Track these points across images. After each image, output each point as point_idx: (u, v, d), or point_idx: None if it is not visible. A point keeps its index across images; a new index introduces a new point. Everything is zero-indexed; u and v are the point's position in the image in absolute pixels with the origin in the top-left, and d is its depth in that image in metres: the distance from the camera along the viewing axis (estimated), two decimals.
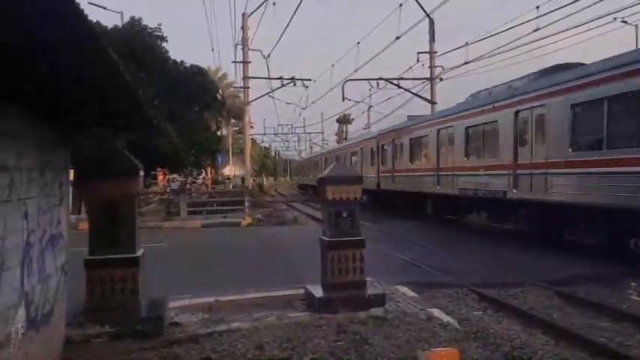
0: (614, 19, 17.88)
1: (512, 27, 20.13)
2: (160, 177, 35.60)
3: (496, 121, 15.17)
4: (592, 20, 17.20)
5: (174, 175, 33.84)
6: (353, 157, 33.02)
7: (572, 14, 17.14)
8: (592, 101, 11.59)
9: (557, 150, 12.62)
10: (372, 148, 28.24)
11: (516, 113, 14.21)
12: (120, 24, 20.69)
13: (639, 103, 10.40)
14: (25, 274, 4.00)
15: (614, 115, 11.02)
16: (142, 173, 6.58)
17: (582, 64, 13.09)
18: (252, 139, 52.34)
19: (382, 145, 26.28)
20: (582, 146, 12.10)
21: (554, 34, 19.40)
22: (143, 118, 6.12)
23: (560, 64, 14.07)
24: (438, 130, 19.26)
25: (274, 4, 26.96)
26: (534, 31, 19.09)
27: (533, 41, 20.19)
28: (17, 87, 3.60)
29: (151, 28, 20.27)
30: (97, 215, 6.33)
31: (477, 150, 16.78)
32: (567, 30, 18.26)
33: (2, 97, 3.58)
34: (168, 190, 31.23)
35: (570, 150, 12.24)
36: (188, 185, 32.07)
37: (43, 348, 4.46)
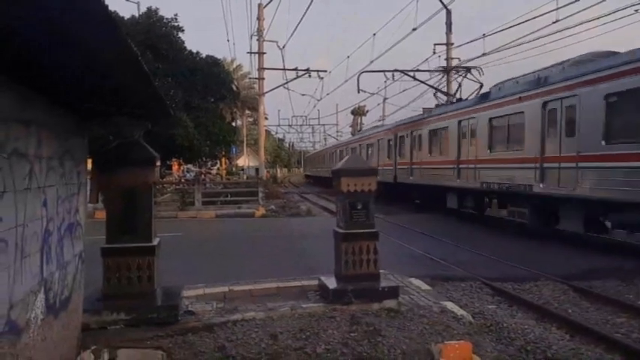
0: (636, 10, 17.48)
1: (531, 18, 19.91)
2: (175, 167, 35.87)
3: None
4: (613, 12, 16.85)
5: (189, 166, 34.06)
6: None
7: (592, 6, 16.85)
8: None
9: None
10: (389, 140, 28.59)
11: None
12: (137, 14, 20.78)
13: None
14: (44, 261, 4.06)
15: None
16: (158, 163, 6.63)
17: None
18: (266, 130, 52.48)
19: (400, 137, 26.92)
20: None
21: (575, 26, 19.11)
22: (160, 108, 6.15)
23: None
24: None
25: None
26: (553, 22, 18.81)
27: (553, 33, 19.91)
28: (38, 75, 3.65)
29: (167, 19, 20.36)
30: (115, 204, 6.40)
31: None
32: (588, 22, 18.00)
33: (23, 85, 3.63)
34: (183, 180, 31.45)
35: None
36: (203, 176, 32.27)
37: (61, 334, 4.53)
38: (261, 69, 32.43)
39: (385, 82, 32.43)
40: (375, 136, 31.54)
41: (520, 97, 14.73)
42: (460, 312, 7.14)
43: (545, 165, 13.47)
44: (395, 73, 30.76)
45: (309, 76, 31.95)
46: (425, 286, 8.59)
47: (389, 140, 27.83)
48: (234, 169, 48.24)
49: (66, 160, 4.75)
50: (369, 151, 32.31)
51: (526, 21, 19.70)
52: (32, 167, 3.79)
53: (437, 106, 24.06)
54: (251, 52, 33.36)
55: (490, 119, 16.60)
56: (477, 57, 24.85)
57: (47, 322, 4.10)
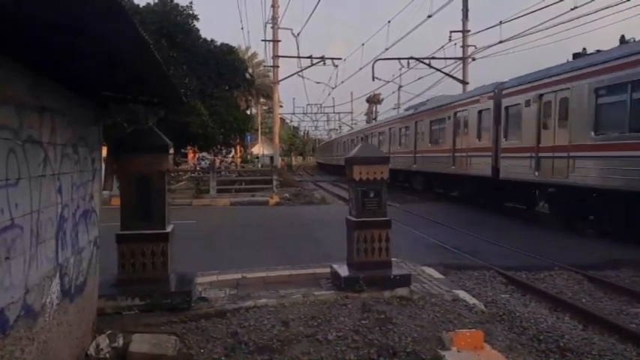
0: None
1: (549, 5, 19.43)
2: (190, 155, 36.05)
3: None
4: None
5: (204, 154, 34.18)
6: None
7: None
8: None
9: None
10: (481, 113, 18.98)
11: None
12: (152, 2, 20.78)
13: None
14: (60, 246, 4.13)
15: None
16: (171, 150, 6.67)
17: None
18: (281, 118, 52.48)
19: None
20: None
21: (594, 12, 18.70)
22: (175, 96, 6.17)
23: None
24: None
25: None
26: (572, 9, 18.43)
27: (571, 20, 19.49)
28: (52, 63, 3.69)
29: (182, 7, 20.34)
30: (129, 191, 6.46)
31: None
32: (607, 8, 17.53)
33: (37, 73, 3.66)
34: (198, 168, 31.63)
35: None
36: (218, 163, 32.38)
37: (76, 318, 4.61)
38: (275, 57, 32.36)
39: (400, 69, 32.26)
40: (448, 108, 21.98)
41: None
42: (472, 301, 7.13)
43: None
44: (410, 61, 30.60)
45: (324, 63, 31.80)
46: (437, 275, 8.58)
47: (480, 112, 18.86)
48: (248, 157, 48.37)
49: (80, 147, 4.80)
50: (433, 131, 23.84)
51: (544, 7, 19.18)
52: (46, 154, 3.84)
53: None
54: (265, 40, 33.28)
55: None
56: (494, 44, 24.46)
57: (63, 306, 4.18)
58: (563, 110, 13.86)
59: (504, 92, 17.15)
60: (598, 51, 13.42)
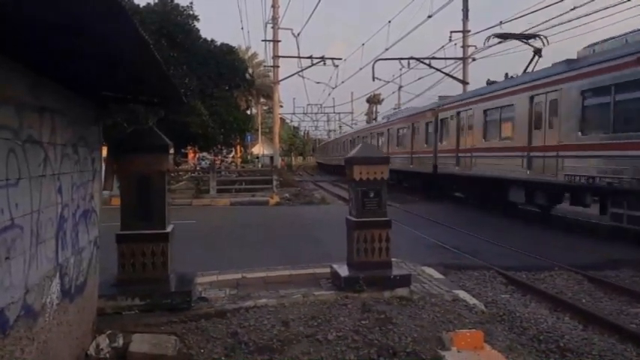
0: None
1: (548, 5, 19.43)
2: (191, 155, 36.06)
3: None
4: None
5: (204, 154, 34.16)
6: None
7: None
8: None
9: None
10: (427, 124, 24.26)
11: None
12: (152, 2, 20.77)
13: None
14: (60, 246, 4.13)
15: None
16: (171, 150, 6.67)
17: None
18: (281, 118, 52.51)
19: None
20: None
21: (594, 13, 18.73)
22: (175, 96, 6.17)
23: None
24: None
25: None
26: (572, 9, 18.43)
27: (571, 20, 19.49)
28: (52, 63, 3.69)
29: (183, 7, 20.34)
30: (129, 191, 6.46)
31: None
32: (606, 9, 17.53)
33: (37, 72, 3.66)
34: (198, 168, 31.64)
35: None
36: (218, 163, 32.37)
37: (76, 318, 4.61)
38: (275, 57, 32.38)
39: (400, 69, 32.32)
40: (408, 119, 27.43)
41: None
42: (472, 301, 7.13)
43: None
44: (410, 61, 30.59)
45: (324, 63, 31.78)
46: (437, 275, 8.58)
47: (427, 124, 24.17)
48: (249, 157, 48.37)
49: (80, 147, 4.80)
50: (399, 137, 29.44)
51: (545, 7, 19.15)
52: (46, 154, 3.84)
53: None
54: (266, 40, 33.29)
55: None
56: (494, 44, 24.42)
57: (63, 306, 4.18)
58: (469, 123, 19.50)
59: (440, 108, 22.79)
60: (495, 81, 18.56)
